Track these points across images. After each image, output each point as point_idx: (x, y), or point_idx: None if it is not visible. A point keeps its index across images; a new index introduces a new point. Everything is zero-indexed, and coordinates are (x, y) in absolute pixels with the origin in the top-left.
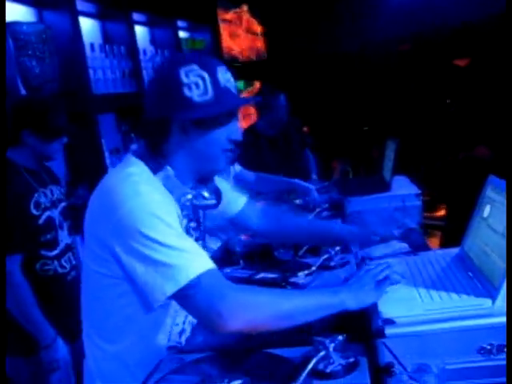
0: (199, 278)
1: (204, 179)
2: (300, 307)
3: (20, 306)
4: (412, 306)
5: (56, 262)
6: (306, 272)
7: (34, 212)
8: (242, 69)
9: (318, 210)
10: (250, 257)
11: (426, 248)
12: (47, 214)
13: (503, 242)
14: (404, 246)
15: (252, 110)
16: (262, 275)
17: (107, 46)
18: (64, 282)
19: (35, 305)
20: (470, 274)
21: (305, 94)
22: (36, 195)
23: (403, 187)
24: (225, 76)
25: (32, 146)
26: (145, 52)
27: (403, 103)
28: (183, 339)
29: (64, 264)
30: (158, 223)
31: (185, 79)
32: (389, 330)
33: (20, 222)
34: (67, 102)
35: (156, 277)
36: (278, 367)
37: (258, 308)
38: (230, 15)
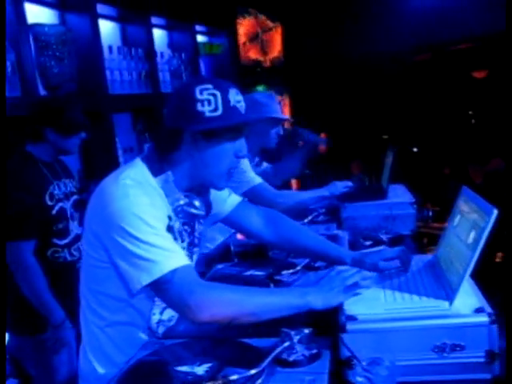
0: (173, 273)
1: (200, 190)
2: (264, 306)
3: (32, 287)
4: (374, 305)
5: (66, 251)
6: (291, 271)
7: (49, 202)
8: (261, 74)
9: (314, 213)
10: (245, 255)
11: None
12: (60, 205)
13: (465, 250)
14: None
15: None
16: (250, 272)
17: (125, 48)
18: (73, 270)
19: (47, 287)
20: (436, 278)
21: (324, 100)
22: (51, 187)
23: (399, 195)
24: (235, 97)
25: (53, 141)
26: (162, 55)
27: (423, 113)
28: (161, 329)
29: (73, 252)
30: (140, 223)
31: (199, 96)
32: (350, 326)
33: (36, 210)
34: (84, 101)
35: (134, 268)
36: (246, 354)
37: (223, 304)
38: (249, 21)
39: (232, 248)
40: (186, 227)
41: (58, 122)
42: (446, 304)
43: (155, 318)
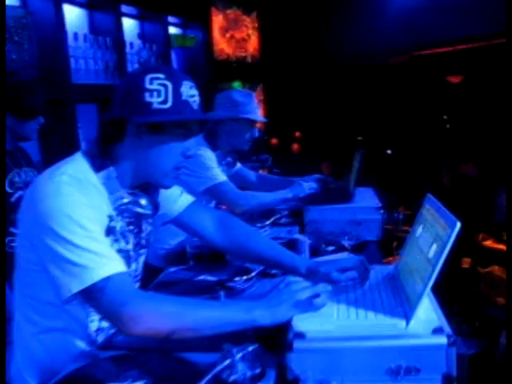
0: (105, 281)
1: (147, 188)
2: (206, 321)
3: None
4: (325, 322)
5: None
6: (245, 278)
7: (8, 190)
8: (236, 69)
9: (277, 215)
10: (201, 258)
11: (379, 263)
12: (20, 193)
13: (426, 264)
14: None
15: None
16: (202, 277)
17: (92, 37)
18: None
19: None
20: (395, 293)
21: (298, 98)
22: (11, 174)
23: (365, 199)
24: (189, 91)
25: (9, 126)
26: (132, 45)
27: (398, 115)
28: (100, 337)
29: None
30: (72, 224)
31: (148, 85)
32: (297, 344)
33: None
34: (45, 89)
35: (64, 273)
36: (183, 371)
37: (159, 317)
38: (224, 14)
39: (188, 249)
40: (131, 227)
41: (15, 105)
42: (402, 323)
43: (94, 325)
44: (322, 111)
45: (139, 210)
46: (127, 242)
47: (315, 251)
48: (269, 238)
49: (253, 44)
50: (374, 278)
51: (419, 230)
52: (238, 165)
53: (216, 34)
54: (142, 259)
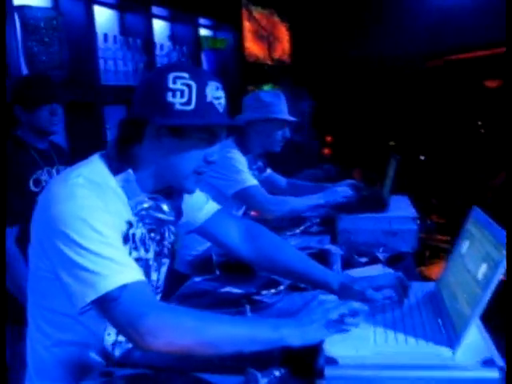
0: (121, 290)
1: (169, 192)
2: (228, 337)
3: (13, 275)
4: (361, 347)
5: None
6: (273, 291)
7: (33, 188)
8: (267, 72)
9: (307, 223)
10: (228, 267)
11: (414, 277)
12: None
13: (474, 287)
14: (390, 271)
15: None
16: (227, 289)
17: (122, 38)
18: None
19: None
20: (438, 316)
21: (331, 101)
22: (39, 172)
23: (401, 208)
24: (215, 92)
25: (23, 120)
26: (162, 47)
27: (432, 121)
28: (117, 351)
29: None
30: (86, 228)
31: (171, 84)
32: (329, 371)
33: (18, 196)
34: (74, 91)
35: (77, 281)
36: None
37: (178, 331)
38: (255, 17)
39: (214, 257)
40: (152, 235)
41: (22, 96)
42: (448, 352)
43: (110, 338)
44: (354, 115)
45: (161, 215)
46: (147, 251)
47: (347, 263)
48: (298, 250)
49: (284, 47)
50: (413, 297)
51: (465, 246)
52: (268, 170)
53: (247, 36)
54: (164, 269)
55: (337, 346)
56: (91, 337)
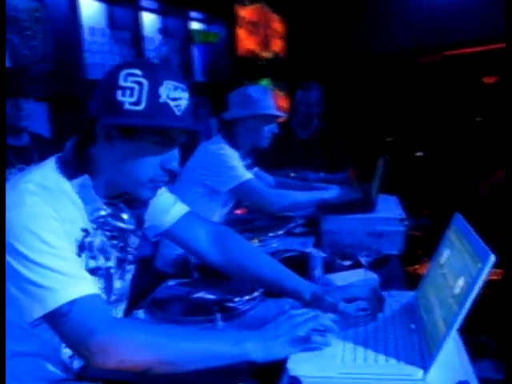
0: (71, 305)
1: (129, 199)
2: (187, 353)
3: None
4: (327, 366)
5: None
6: (247, 298)
7: None
8: (262, 68)
9: (291, 224)
10: (206, 271)
11: (399, 281)
12: None
13: (451, 302)
14: (373, 276)
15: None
16: (200, 294)
17: (109, 31)
18: None
19: None
20: (413, 331)
21: (326, 97)
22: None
23: (388, 209)
24: (171, 93)
25: None
26: (152, 41)
27: (430, 117)
28: (76, 363)
29: None
30: (34, 240)
31: (122, 82)
32: None
33: None
34: (58, 85)
35: (26, 296)
36: None
37: (131, 348)
38: (248, 11)
39: (192, 260)
40: (115, 242)
41: None
42: (419, 373)
43: (67, 350)
44: (349, 111)
45: (120, 224)
46: (108, 259)
47: (330, 266)
48: (270, 257)
49: (280, 41)
50: (390, 309)
51: (445, 255)
52: (255, 168)
53: (241, 30)
54: (129, 276)
55: (302, 365)
56: (48, 348)
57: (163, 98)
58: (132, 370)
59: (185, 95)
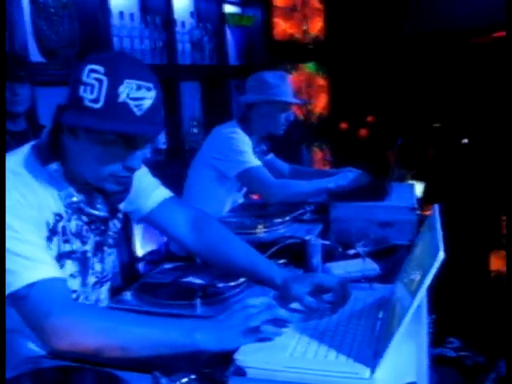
0: (29, 287)
1: (98, 188)
2: (137, 340)
3: None
4: (274, 358)
5: None
6: (232, 284)
7: None
8: (298, 52)
9: (301, 211)
10: None
11: None
12: None
13: (408, 297)
14: (374, 266)
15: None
16: (189, 279)
17: (139, 15)
18: None
19: None
20: (376, 326)
21: (370, 82)
22: None
23: (401, 198)
24: (133, 92)
25: None
26: (183, 24)
27: (480, 102)
28: None
29: None
30: None
31: (85, 77)
32: (233, 383)
33: None
34: None
35: None
36: None
37: (84, 332)
38: None
39: None
40: (92, 226)
41: None
42: (366, 372)
43: None
44: (395, 95)
45: (92, 211)
46: (84, 243)
47: (334, 255)
48: (246, 244)
49: (319, 21)
50: (362, 303)
51: (417, 248)
52: (271, 154)
53: (277, 12)
54: (110, 259)
55: (249, 356)
56: (23, 324)
57: (122, 98)
58: (83, 352)
59: (149, 95)
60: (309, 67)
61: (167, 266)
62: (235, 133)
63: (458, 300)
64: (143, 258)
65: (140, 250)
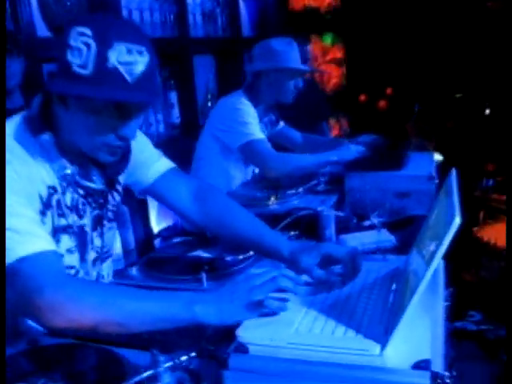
0: (20, 262)
1: (93, 159)
2: (133, 314)
3: None
4: (278, 334)
5: None
6: (241, 257)
7: None
8: (314, 22)
9: (315, 181)
10: None
11: None
12: None
13: (421, 267)
14: (390, 238)
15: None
16: (197, 253)
17: None
18: None
19: None
20: (388, 300)
21: (387, 52)
22: None
23: (418, 167)
24: (123, 56)
25: None
26: None
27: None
28: None
29: None
30: None
31: (72, 41)
32: (234, 361)
33: None
34: None
35: None
36: (108, 368)
37: (80, 307)
38: None
39: None
40: (89, 199)
41: None
42: (376, 348)
43: None
44: (413, 64)
45: (88, 183)
46: (81, 217)
47: (349, 226)
48: (253, 216)
49: None
50: (374, 275)
51: (433, 215)
52: (281, 123)
53: None
54: (110, 234)
55: (252, 332)
56: None
57: (112, 62)
58: (79, 329)
59: (142, 59)
60: (325, 38)
61: (176, 240)
62: (241, 103)
63: (479, 272)
64: (159, 234)
65: (156, 226)
